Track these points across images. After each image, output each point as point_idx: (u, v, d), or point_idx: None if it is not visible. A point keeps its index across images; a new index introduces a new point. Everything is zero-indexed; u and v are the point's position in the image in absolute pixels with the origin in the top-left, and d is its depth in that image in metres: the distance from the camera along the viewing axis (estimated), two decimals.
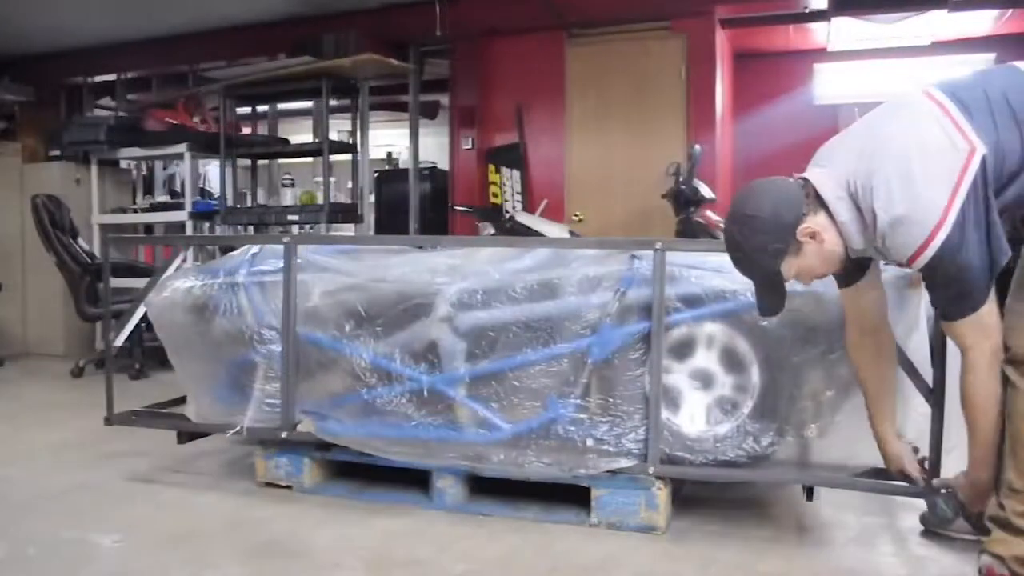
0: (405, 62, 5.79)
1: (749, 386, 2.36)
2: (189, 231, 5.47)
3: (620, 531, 2.38)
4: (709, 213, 4.80)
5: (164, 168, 7.20)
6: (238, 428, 2.75)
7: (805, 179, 1.88)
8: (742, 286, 2.34)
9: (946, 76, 1.91)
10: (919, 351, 2.23)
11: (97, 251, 5.35)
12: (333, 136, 5.45)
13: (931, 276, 1.79)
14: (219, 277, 2.80)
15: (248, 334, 2.75)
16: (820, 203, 1.84)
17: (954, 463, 2.26)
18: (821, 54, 6.18)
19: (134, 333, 4.61)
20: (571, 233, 5.13)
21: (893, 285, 2.27)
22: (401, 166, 7.97)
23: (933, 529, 2.26)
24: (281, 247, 2.73)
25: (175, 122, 5.93)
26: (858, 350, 2.13)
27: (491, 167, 6.01)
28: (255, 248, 2.90)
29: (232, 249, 3.04)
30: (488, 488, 2.57)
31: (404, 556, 2.24)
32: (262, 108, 6.40)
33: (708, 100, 5.51)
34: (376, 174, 7.35)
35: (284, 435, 2.70)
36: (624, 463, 2.37)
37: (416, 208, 6.44)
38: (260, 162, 5.95)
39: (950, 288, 1.77)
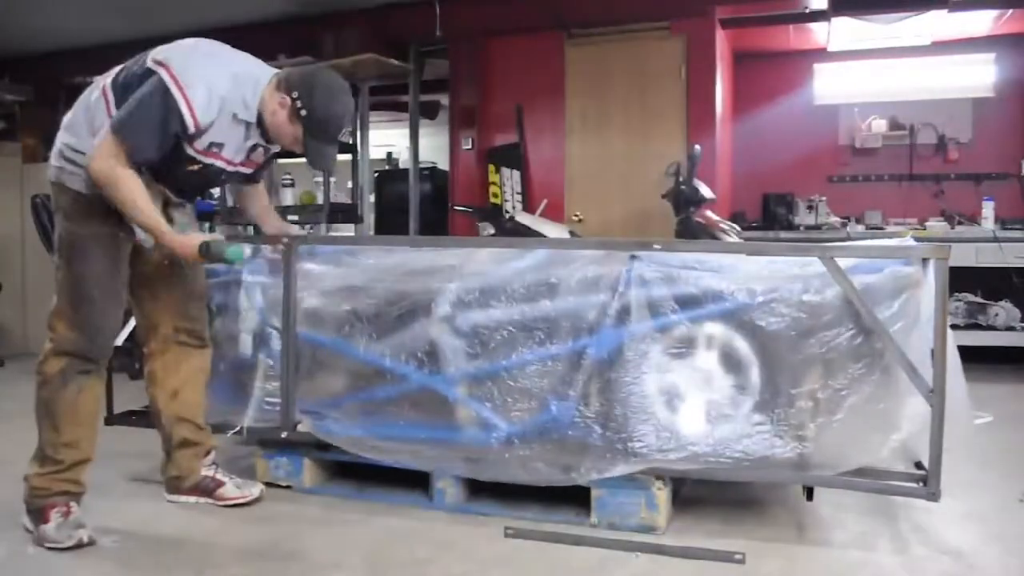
0: (405, 62, 5.78)
1: (748, 386, 2.36)
2: None
3: (620, 531, 2.38)
4: (709, 213, 4.80)
5: None
6: (238, 428, 2.75)
7: None
8: (741, 286, 2.34)
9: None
10: (919, 351, 2.23)
11: None
12: None
13: None
14: (219, 277, 2.80)
15: (248, 334, 2.75)
16: None
17: (954, 462, 2.27)
18: (821, 54, 6.18)
19: (134, 333, 4.60)
20: (571, 233, 5.13)
21: (893, 285, 2.27)
22: (401, 166, 7.97)
23: None
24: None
25: None
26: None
27: (491, 167, 6.00)
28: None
29: None
30: (488, 488, 2.57)
31: (404, 556, 2.24)
32: None
33: (708, 100, 5.51)
34: (376, 174, 7.34)
35: (284, 435, 2.70)
36: (623, 466, 2.36)
37: (416, 208, 6.43)
38: None
39: None
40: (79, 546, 2.24)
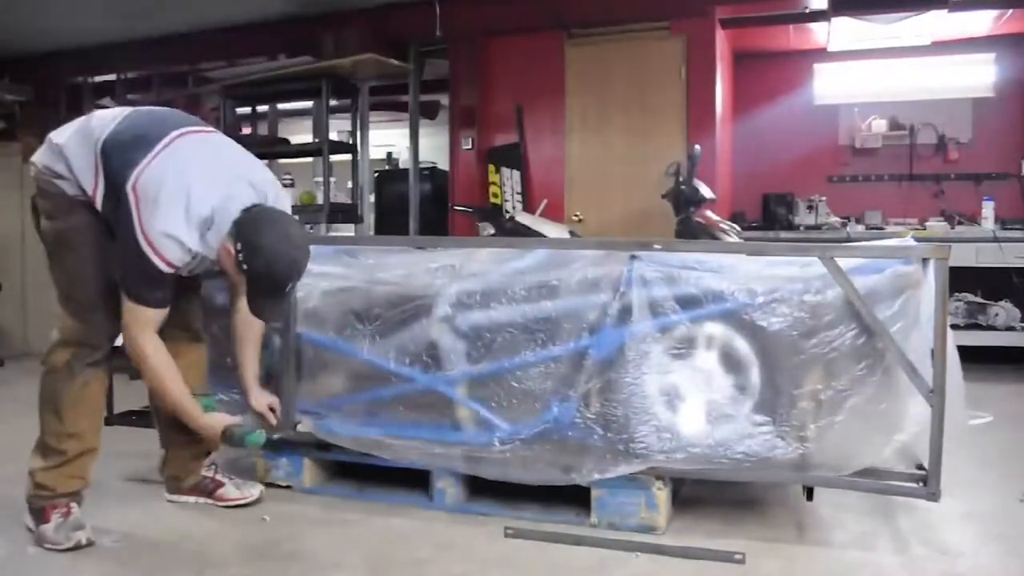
0: (405, 62, 5.78)
1: (748, 386, 2.36)
2: None
3: (620, 531, 2.38)
4: (709, 213, 4.80)
5: None
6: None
7: None
8: (742, 286, 2.34)
9: None
10: (919, 351, 2.23)
11: None
12: (333, 136, 5.44)
13: None
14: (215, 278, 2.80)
15: None
16: None
17: (954, 462, 2.27)
18: (821, 54, 6.18)
19: None
20: (571, 233, 5.13)
21: (893, 285, 2.27)
22: (401, 166, 7.97)
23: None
24: None
25: None
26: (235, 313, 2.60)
27: (491, 167, 6.01)
28: None
29: None
30: (488, 488, 2.57)
31: (404, 556, 2.24)
32: (262, 108, 6.40)
33: (708, 100, 5.51)
34: (376, 174, 7.34)
35: (284, 435, 2.70)
36: (624, 466, 2.36)
37: (416, 208, 6.43)
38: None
39: None
40: (77, 547, 2.24)
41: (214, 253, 2.26)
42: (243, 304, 2.47)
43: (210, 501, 2.64)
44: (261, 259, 2.20)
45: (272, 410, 2.68)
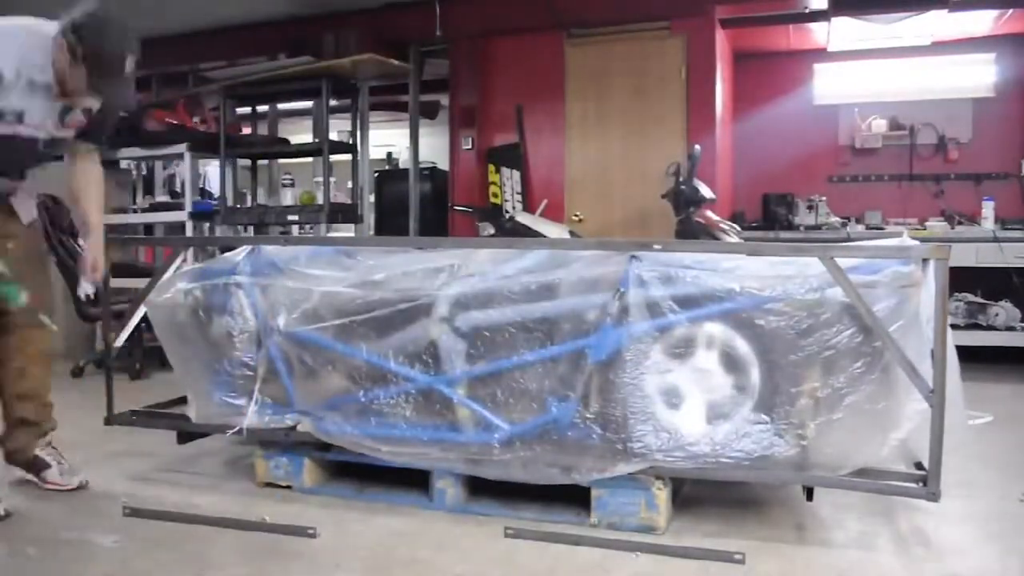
0: (405, 62, 5.79)
1: (748, 386, 2.36)
2: (189, 231, 5.46)
3: (620, 531, 2.38)
4: (709, 213, 4.80)
5: (164, 168, 7.19)
6: (238, 428, 2.75)
7: None
8: (741, 286, 2.34)
9: None
10: (919, 351, 2.23)
11: None
12: (333, 136, 5.44)
13: None
14: (218, 278, 2.80)
15: (247, 334, 2.75)
16: None
17: (954, 462, 2.27)
18: (821, 54, 6.18)
19: (134, 333, 4.60)
20: (571, 233, 5.13)
21: (891, 285, 2.27)
22: (401, 166, 7.98)
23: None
24: (280, 248, 2.73)
25: (175, 122, 5.92)
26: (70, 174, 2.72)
27: (491, 167, 6.01)
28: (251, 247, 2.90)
29: (231, 249, 3.04)
30: (488, 488, 2.57)
31: (404, 556, 2.24)
32: (262, 108, 6.40)
33: (708, 100, 5.51)
34: (376, 174, 7.35)
35: (284, 435, 2.70)
36: (623, 465, 2.36)
37: (416, 208, 6.44)
38: (260, 162, 5.94)
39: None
40: None
41: (46, 74, 2.33)
42: (77, 164, 2.66)
43: (35, 479, 2.78)
44: (92, 29, 2.29)
45: (94, 269, 2.72)
